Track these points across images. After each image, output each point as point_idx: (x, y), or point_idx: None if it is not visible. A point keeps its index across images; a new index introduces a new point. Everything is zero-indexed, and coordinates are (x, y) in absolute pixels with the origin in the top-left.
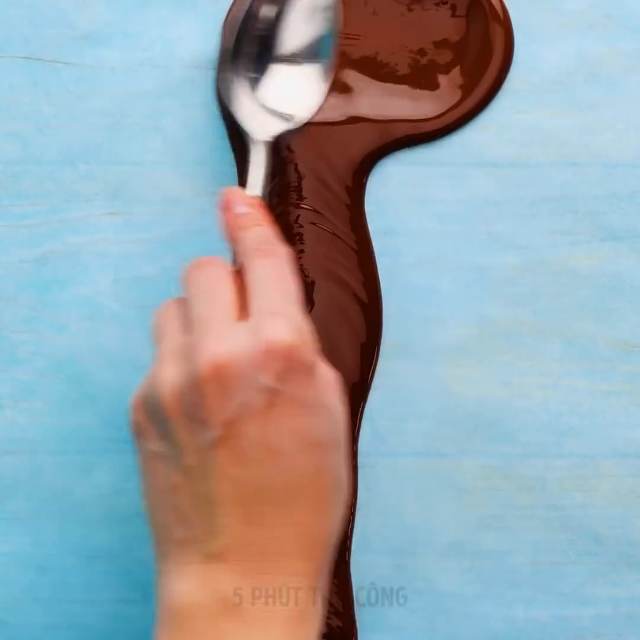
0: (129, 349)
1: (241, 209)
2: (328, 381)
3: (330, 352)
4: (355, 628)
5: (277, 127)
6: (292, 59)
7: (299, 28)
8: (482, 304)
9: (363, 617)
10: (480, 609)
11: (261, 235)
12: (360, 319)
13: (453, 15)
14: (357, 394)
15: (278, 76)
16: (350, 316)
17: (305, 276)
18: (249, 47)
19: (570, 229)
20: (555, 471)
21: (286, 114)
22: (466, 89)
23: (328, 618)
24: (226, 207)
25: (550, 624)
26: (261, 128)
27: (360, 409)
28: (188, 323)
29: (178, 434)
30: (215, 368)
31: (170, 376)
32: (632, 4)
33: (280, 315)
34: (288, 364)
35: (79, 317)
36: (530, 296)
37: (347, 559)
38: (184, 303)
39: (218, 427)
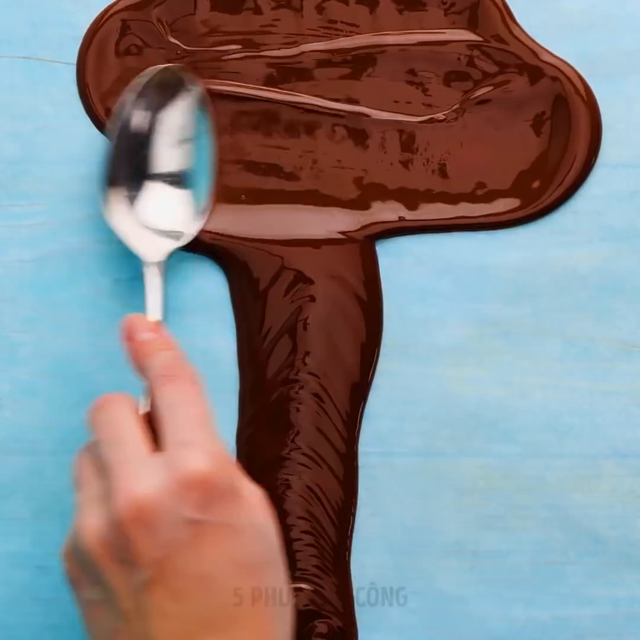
0: None
1: (145, 335)
2: (254, 501)
3: (331, 352)
4: (356, 628)
5: (167, 246)
6: (166, 179)
7: (168, 152)
8: (482, 304)
9: (363, 617)
10: (480, 609)
11: (166, 360)
12: (361, 319)
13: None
14: (357, 394)
15: (154, 194)
16: (350, 316)
17: (306, 276)
18: (124, 163)
19: (570, 229)
20: (555, 471)
21: (172, 232)
22: None
23: (328, 618)
24: (129, 336)
25: (550, 624)
26: (152, 249)
27: (361, 409)
28: (101, 468)
29: (110, 579)
30: (136, 509)
31: (92, 523)
32: (632, 4)
33: (192, 444)
34: (207, 493)
35: (79, 317)
36: (530, 296)
37: (347, 559)
38: (94, 447)
39: (149, 567)
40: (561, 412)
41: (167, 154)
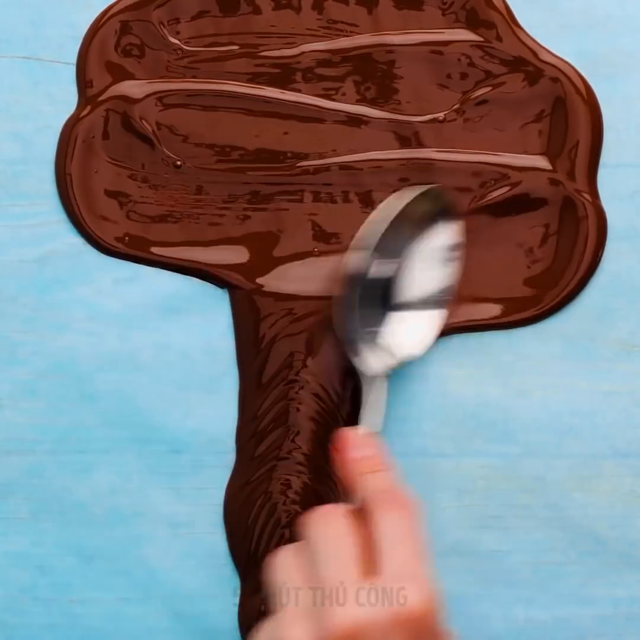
0: (129, 349)
1: (360, 452)
2: None
3: (331, 352)
4: None
5: (394, 361)
6: (411, 306)
7: (419, 276)
8: None
9: None
10: (480, 609)
11: (384, 482)
12: None
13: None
14: (357, 394)
15: (396, 322)
16: None
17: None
18: (365, 300)
19: None
20: (555, 471)
21: (403, 353)
22: None
23: None
24: (344, 449)
25: (550, 624)
26: (378, 363)
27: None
28: (313, 580)
29: None
30: (349, 633)
31: (297, 636)
32: (632, 4)
33: (409, 579)
34: (417, 632)
35: (79, 317)
36: None
37: None
38: (305, 554)
39: None
40: (561, 412)
41: (414, 283)
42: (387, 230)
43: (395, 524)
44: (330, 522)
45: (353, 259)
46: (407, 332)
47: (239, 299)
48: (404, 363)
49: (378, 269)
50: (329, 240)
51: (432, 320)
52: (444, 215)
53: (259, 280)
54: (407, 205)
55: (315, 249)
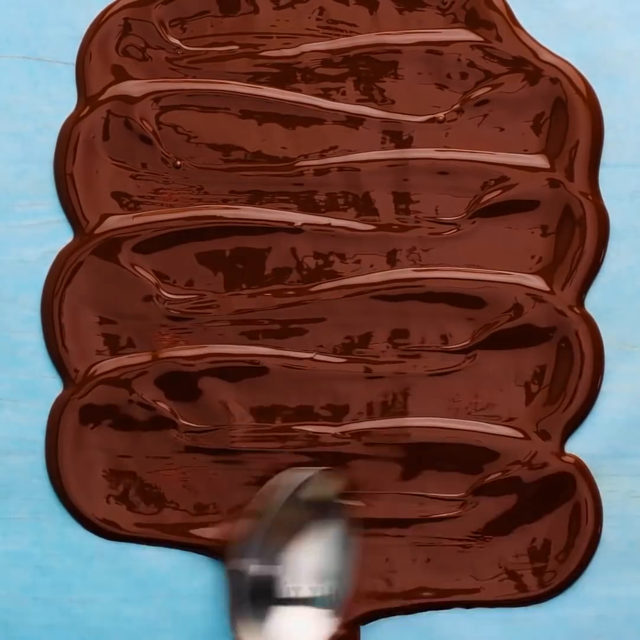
0: None
1: None
2: None
3: None
4: (358, 628)
5: None
6: (299, 602)
7: (308, 571)
8: None
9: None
10: (480, 608)
11: None
12: None
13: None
14: None
15: (284, 618)
16: None
17: None
18: (250, 594)
19: None
20: None
21: None
22: None
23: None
24: None
25: (550, 624)
26: None
27: None
28: None
29: None
30: None
31: None
32: (632, 4)
33: None
34: None
35: None
36: None
37: None
38: None
39: None
40: None
41: (305, 576)
42: (270, 530)
43: None
44: None
45: (232, 560)
46: (297, 629)
47: None
48: None
49: (259, 569)
50: None
51: (321, 617)
52: (334, 501)
53: None
54: (292, 495)
55: None
